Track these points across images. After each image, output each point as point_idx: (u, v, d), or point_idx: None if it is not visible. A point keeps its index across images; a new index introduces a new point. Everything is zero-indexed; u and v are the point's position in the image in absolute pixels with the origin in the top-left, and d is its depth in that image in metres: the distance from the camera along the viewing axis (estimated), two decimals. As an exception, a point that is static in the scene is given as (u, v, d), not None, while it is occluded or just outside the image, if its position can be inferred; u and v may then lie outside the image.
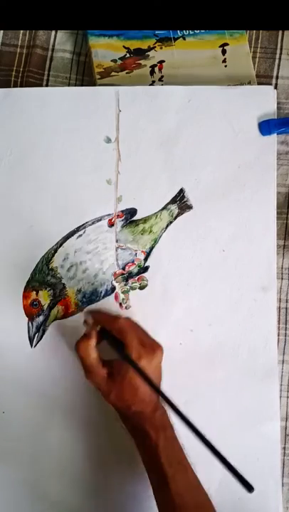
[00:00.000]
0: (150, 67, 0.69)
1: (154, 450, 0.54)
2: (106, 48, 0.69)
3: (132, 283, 0.65)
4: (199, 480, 0.54)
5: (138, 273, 0.65)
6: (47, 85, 0.70)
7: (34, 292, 0.64)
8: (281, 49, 0.71)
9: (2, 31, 0.71)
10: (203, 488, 0.54)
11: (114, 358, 0.56)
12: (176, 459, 0.54)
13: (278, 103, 0.68)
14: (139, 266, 0.65)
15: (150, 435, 0.54)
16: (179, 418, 0.51)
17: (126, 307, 0.64)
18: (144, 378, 0.53)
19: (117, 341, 0.55)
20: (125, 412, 0.56)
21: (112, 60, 0.69)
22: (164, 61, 0.69)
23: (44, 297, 0.64)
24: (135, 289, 0.65)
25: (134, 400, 0.54)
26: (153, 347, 0.56)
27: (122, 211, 0.66)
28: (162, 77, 0.69)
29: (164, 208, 0.66)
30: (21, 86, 0.70)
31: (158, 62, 0.69)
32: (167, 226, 0.66)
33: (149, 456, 0.55)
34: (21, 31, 0.71)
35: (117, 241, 0.66)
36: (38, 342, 0.64)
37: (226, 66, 0.69)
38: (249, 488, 0.48)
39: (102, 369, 0.56)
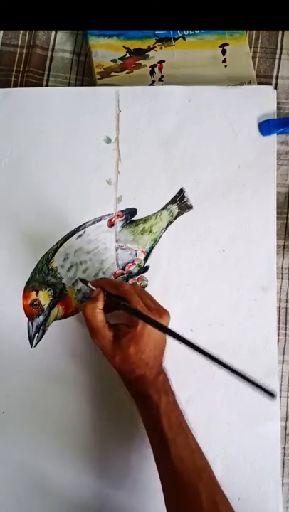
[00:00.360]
0: (150, 67, 0.69)
1: (156, 413, 0.55)
2: (106, 48, 0.69)
3: (132, 283, 0.65)
4: (199, 445, 0.55)
5: (138, 273, 0.65)
6: (47, 85, 0.70)
7: (34, 292, 0.64)
8: (281, 49, 0.71)
9: (2, 31, 0.71)
10: (203, 452, 0.55)
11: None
12: (177, 423, 0.55)
13: (278, 103, 0.68)
14: (139, 266, 0.65)
15: (152, 398, 0.55)
16: (191, 348, 0.51)
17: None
18: (153, 324, 0.53)
19: (123, 301, 0.56)
20: (129, 376, 0.57)
21: (112, 60, 0.69)
22: (164, 61, 0.69)
23: (44, 297, 0.64)
24: (135, 289, 0.65)
25: (139, 363, 0.55)
26: (159, 311, 0.57)
27: (122, 211, 0.66)
28: (162, 77, 0.69)
29: (164, 208, 0.66)
30: (21, 86, 0.70)
31: (158, 62, 0.69)
32: (167, 226, 0.66)
33: (151, 419, 0.56)
34: (21, 31, 0.71)
35: (117, 241, 0.66)
36: (38, 342, 0.63)
37: (226, 66, 0.69)
38: (271, 394, 0.48)
39: (109, 331, 0.57)
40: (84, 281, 0.61)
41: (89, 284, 0.60)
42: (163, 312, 0.58)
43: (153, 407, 0.55)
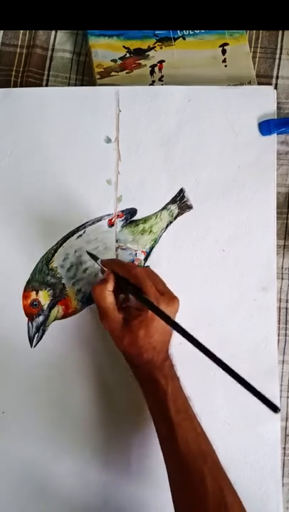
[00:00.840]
0: (150, 67, 0.69)
1: (163, 397, 0.55)
2: (106, 48, 0.69)
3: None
4: (204, 430, 0.55)
5: (138, 273, 0.65)
6: (47, 85, 0.70)
7: (34, 292, 0.64)
8: (281, 49, 0.71)
9: (2, 31, 0.71)
10: (208, 437, 0.55)
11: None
12: (183, 408, 0.55)
13: (278, 103, 0.68)
14: (139, 266, 0.65)
15: (160, 383, 0.55)
16: (198, 348, 0.52)
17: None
18: (161, 317, 0.53)
19: (134, 287, 0.56)
20: (136, 360, 0.57)
21: (112, 60, 0.68)
22: (164, 61, 0.69)
23: (44, 297, 0.64)
24: (135, 289, 0.65)
25: (147, 347, 0.55)
26: (171, 296, 0.57)
27: (122, 211, 0.66)
28: (162, 77, 0.69)
29: (164, 208, 0.66)
30: (21, 86, 0.70)
31: (158, 62, 0.69)
32: (167, 226, 0.66)
33: (158, 403, 0.56)
34: (21, 31, 0.71)
35: (117, 241, 0.66)
36: (38, 342, 0.63)
37: (226, 66, 0.69)
38: (275, 408, 0.49)
39: (118, 314, 0.57)
40: (94, 258, 0.61)
41: (98, 262, 0.60)
42: (174, 297, 0.57)
43: (160, 391, 0.55)
